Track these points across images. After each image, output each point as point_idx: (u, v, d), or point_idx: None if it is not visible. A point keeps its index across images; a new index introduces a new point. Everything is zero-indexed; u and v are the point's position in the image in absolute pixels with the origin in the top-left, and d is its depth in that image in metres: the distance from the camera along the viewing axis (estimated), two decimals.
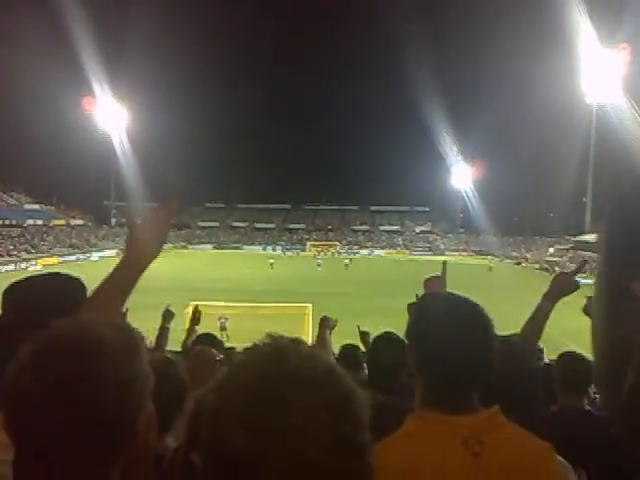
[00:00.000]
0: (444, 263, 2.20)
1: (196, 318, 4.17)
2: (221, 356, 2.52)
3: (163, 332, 3.84)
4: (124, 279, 1.24)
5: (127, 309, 3.05)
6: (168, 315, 3.94)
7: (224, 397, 0.63)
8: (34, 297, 1.38)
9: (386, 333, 2.48)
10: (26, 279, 1.47)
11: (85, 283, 1.50)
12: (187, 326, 4.30)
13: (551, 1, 55.63)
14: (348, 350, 3.41)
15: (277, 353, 0.66)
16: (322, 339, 2.60)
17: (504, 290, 35.70)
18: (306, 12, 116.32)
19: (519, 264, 64.21)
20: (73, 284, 1.50)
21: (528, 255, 66.93)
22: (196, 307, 4.25)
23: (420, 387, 1.22)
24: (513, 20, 70.12)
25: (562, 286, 2.19)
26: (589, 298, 2.01)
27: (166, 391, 1.70)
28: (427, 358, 1.20)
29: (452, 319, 1.18)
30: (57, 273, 1.53)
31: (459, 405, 1.15)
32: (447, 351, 1.15)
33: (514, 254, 71.16)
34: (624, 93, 57.62)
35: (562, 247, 65.58)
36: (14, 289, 1.44)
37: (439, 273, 2.13)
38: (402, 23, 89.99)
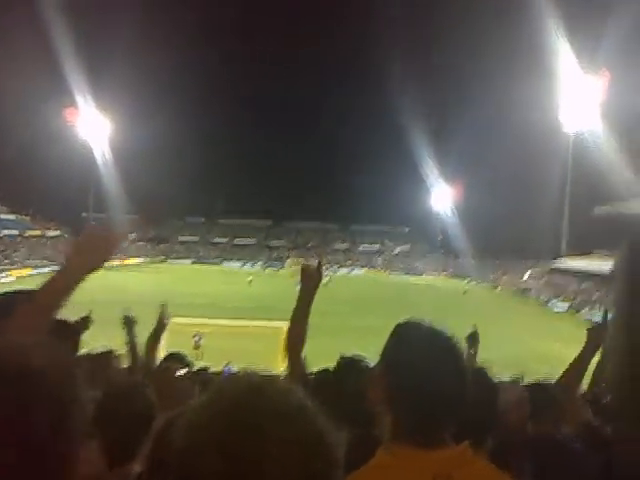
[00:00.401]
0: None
1: (162, 324, 3.60)
2: (184, 371, 2.41)
3: (132, 347, 3.42)
4: (59, 288, 1.20)
5: (91, 315, 2.88)
6: (130, 323, 3.49)
7: (200, 421, 0.62)
8: None
9: (350, 359, 2.23)
10: None
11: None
12: (150, 333, 3.64)
13: (531, 27, 57.21)
14: (319, 379, 3.04)
15: (254, 385, 0.66)
16: (299, 315, 2.04)
17: (474, 317, 36.04)
18: (289, 33, 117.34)
19: (495, 287, 64.94)
20: (15, 298, 1.40)
21: (504, 278, 67.74)
22: (163, 309, 3.68)
23: (391, 419, 1.18)
24: (494, 45, 71.77)
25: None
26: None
27: (133, 414, 1.66)
28: (402, 390, 1.15)
29: (431, 352, 1.15)
30: (6, 292, 1.43)
31: (431, 440, 1.12)
32: (424, 384, 1.12)
33: (492, 277, 71.97)
34: (602, 119, 59.15)
35: (538, 270, 66.54)
36: None
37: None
38: (383, 47, 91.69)
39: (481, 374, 1.77)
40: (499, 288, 63.87)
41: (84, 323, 2.85)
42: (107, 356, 3.06)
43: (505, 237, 79.59)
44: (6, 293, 1.45)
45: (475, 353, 2.89)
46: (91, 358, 2.95)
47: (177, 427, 0.63)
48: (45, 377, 0.76)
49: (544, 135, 68.18)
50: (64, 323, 2.24)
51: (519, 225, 75.71)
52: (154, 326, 3.50)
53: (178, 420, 0.65)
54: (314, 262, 2.09)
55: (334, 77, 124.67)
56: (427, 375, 1.12)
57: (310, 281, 2.05)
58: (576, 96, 61.76)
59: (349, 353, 2.30)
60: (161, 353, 3.84)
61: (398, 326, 1.25)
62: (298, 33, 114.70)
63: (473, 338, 2.98)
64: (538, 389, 2.60)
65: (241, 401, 0.63)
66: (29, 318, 1.15)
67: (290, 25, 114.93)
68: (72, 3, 59.24)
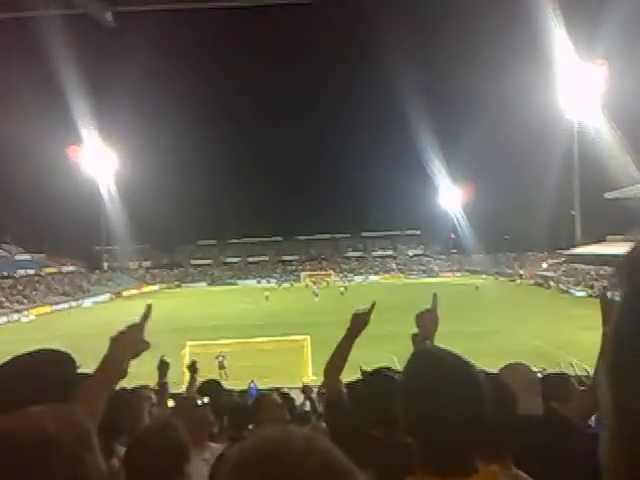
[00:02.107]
0: (434, 296, 2.13)
1: (194, 370, 4.11)
2: (204, 400, 2.47)
3: (162, 388, 3.63)
4: (105, 379, 1.38)
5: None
6: (163, 367, 3.72)
7: None
8: (16, 382, 1.32)
9: (377, 371, 2.40)
10: (11, 360, 1.40)
11: (74, 357, 1.53)
12: (187, 379, 4.21)
13: (531, 19, 57.19)
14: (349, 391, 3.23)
15: (267, 455, 0.64)
16: (340, 353, 2.25)
17: (486, 309, 35.86)
18: (291, 39, 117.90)
19: (513, 281, 64.38)
20: (61, 362, 1.48)
21: (522, 271, 67.17)
22: (192, 363, 4.18)
23: (416, 449, 1.18)
24: (496, 40, 71.92)
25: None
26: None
27: (166, 454, 1.69)
28: (419, 421, 1.16)
29: (444, 382, 1.14)
30: (44, 350, 1.48)
31: (456, 468, 1.11)
32: (439, 415, 1.11)
33: (508, 271, 71.41)
34: (602, 108, 58.97)
35: (555, 261, 65.92)
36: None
37: (429, 307, 2.08)
38: (389, 49, 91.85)
39: (502, 386, 1.76)
40: (518, 281, 63.31)
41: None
42: (140, 393, 3.15)
43: (518, 231, 79.08)
44: (44, 352, 1.48)
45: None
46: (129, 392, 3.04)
47: None
48: (60, 443, 0.76)
49: (549, 128, 68.01)
50: None
51: (531, 218, 75.25)
52: (158, 380, 3.75)
53: None
54: (366, 308, 2.27)
55: (340, 85, 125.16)
56: (442, 404, 1.11)
57: (359, 324, 2.25)
58: (577, 86, 61.63)
59: (370, 366, 2.41)
60: (186, 377, 4.04)
61: (412, 356, 1.27)
62: (302, 40, 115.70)
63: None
64: (555, 378, 2.60)
65: (258, 474, 0.62)
66: (93, 397, 1.32)
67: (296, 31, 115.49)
68: (76, 41, 60.25)
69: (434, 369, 1.18)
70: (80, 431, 0.83)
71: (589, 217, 63.55)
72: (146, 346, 1.50)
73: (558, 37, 57.41)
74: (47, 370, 1.40)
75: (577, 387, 2.65)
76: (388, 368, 2.42)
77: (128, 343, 1.46)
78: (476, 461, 1.14)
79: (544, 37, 57.62)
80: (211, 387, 3.97)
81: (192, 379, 4.13)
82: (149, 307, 1.57)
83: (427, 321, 2.03)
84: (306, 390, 7.05)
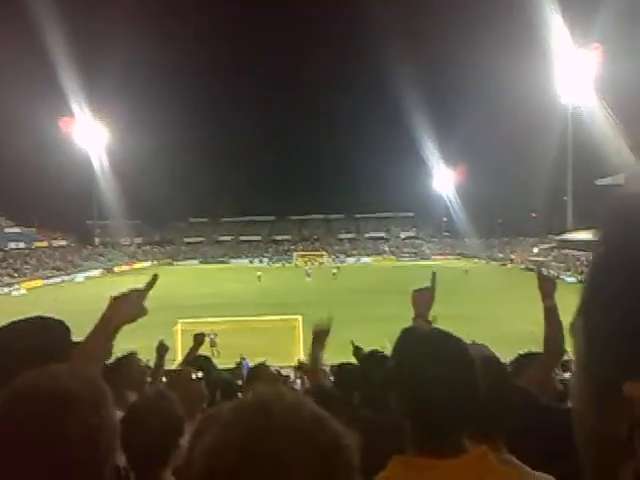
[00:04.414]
0: (434, 274, 2.12)
1: (199, 342, 4.08)
2: (198, 375, 2.46)
3: (158, 369, 3.68)
4: (102, 336, 1.40)
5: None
6: (162, 349, 3.76)
7: (216, 450, 0.64)
8: (15, 343, 1.38)
9: (372, 352, 2.50)
10: (9, 324, 1.46)
11: (69, 325, 1.56)
12: (187, 351, 4.17)
13: (525, 4, 56.69)
14: (343, 371, 3.28)
15: (261, 406, 0.66)
16: (314, 359, 2.57)
17: (474, 293, 36.17)
18: (290, 25, 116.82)
19: (505, 265, 64.80)
20: (56, 328, 1.52)
21: (513, 256, 67.60)
22: (201, 334, 4.15)
23: (405, 427, 1.17)
24: (490, 24, 71.62)
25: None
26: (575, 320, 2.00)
27: (160, 426, 1.68)
28: (411, 403, 1.14)
29: (436, 362, 1.12)
30: (40, 317, 1.53)
31: (446, 448, 1.10)
32: (432, 396, 1.10)
33: (500, 256, 71.83)
34: (597, 92, 58.82)
35: (546, 246, 66.34)
36: None
37: (428, 284, 2.06)
38: (382, 32, 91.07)
39: (496, 366, 1.75)
40: (509, 266, 63.74)
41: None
42: (130, 358, 3.14)
43: (511, 216, 79.41)
44: (40, 319, 1.53)
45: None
46: (116, 361, 3.03)
47: (197, 452, 0.66)
48: (76, 399, 0.83)
49: (543, 112, 67.81)
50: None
51: (524, 203, 75.52)
52: (155, 361, 3.76)
53: (199, 442, 0.67)
54: (324, 322, 2.52)
55: (332, 65, 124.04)
56: (431, 383, 1.10)
57: (320, 335, 2.53)
58: (571, 71, 61.38)
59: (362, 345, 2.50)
60: (179, 354, 4.03)
61: (401, 334, 1.24)
62: (296, 26, 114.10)
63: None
64: (528, 357, 2.63)
65: (250, 429, 0.64)
66: (83, 362, 1.30)
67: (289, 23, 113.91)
68: (68, 14, 59.15)
69: (423, 347, 1.16)
70: (95, 388, 0.89)
71: (581, 203, 63.87)
72: (144, 312, 1.49)
73: (552, 21, 57.04)
74: (42, 334, 1.45)
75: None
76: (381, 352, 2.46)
77: (128, 305, 1.46)
78: (466, 442, 1.13)
79: (538, 21, 57.29)
80: (201, 362, 3.83)
81: (194, 349, 4.09)
82: (155, 276, 1.60)
83: (424, 299, 2.02)
84: (302, 366, 7.10)
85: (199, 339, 4.01)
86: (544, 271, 2.31)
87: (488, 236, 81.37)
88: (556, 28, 57.73)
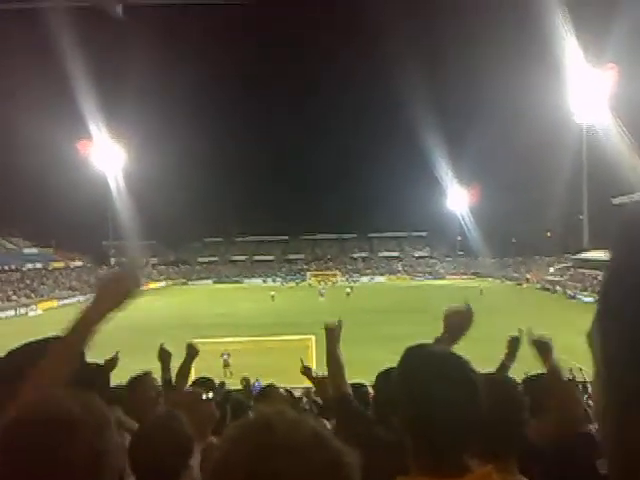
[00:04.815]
0: (468, 305, 2.03)
1: (192, 355, 3.58)
2: (209, 395, 2.44)
3: (166, 378, 3.43)
4: (86, 323, 1.28)
5: (118, 355, 3.03)
6: (165, 355, 3.49)
7: (221, 471, 0.66)
8: (28, 365, 1.29)
9: (385, 371, 2.46)
10: (22, 346, 1.45)
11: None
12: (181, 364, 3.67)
13: (539, 23, 56.98)
14: (354, 391, 3.25)
15: (263, 425, 0.68)
16: (333, 358, 2.40)
17: (490, 313, 35.51)
18: (305, 42, 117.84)
19: (520, 285, 64.06)
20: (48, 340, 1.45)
21: (529, 275, 66.84)
22: (190, 344, 3.63)
23: (409, 446, 1.16)
24: (504, 43, 71.81)
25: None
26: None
27: (170, 446, 1.67)
28: (413, 421, 1.14)
29: (439, 381, 1.11)
30: (54, 338, 1.45)
31: (449, 468, 1.09)
32: (434, 415, 1.09)
33: (515, 275, 71.08)
34: (612, 112, 58.63)
35: (562, 266, 65.55)
36: None
37: (464, 306, 1.99)
38: (397, 50, 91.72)
39: (502, 386, 1.72)
40: (524, 285, 63.01)
41: (112, 363, 3.01)
42: (145, 378, 3.11)
43: (525, 235, 78.72)
44: (40, 339, 1.50)
45: (511, 358, 2.84)
46: (129, 383, 3.02)
47: (204, 471, 0.68)
48: (79, 424, 0.83)
49: (557, 131, 67.67)
50: (94, 367, 2.34)
51: (539, 222, 74.89)
52: (183, 360, 3.48)
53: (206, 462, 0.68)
54: (334, 323, 2.50)
55: (346, 86, 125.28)
56: (434, 403, 1.09)
57: (334, 333, 2.48)
58: (586, 90, 61.33)
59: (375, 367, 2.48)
60: (192, 374, 3.96)
61: (405, 353, 1.24)
62: (309, 39, 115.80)
63: (514, 343, 3.00)
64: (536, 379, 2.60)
65: (252, 448, 0.65)
66: (61, 354, 1.24)
67: (302, 33, 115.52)
68: (87, 39, 60.68)
69: (427, 365, 1.16)
70: (98, 412, 0.89)
71: (597, 222, 63.19)
72: (139, 285, 1.38)
73: (567, 41, 57.11)
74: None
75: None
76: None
77: (119, 287, 1.34)
78: (471, 461, 1.12)
79: (553, 41, 57.31)
80: (205, 384, 3.75)
81: (187, 362, 3.55)
82: (139, 259, 1.52)
83: (461, 321, 1.96)
84: (308, 390, 7.10)
85: (192, 351, 3.52)
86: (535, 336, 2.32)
87: (502, 255, 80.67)
88: (570, 47, 57.79)
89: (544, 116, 66.55)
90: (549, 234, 79.31)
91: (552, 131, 67.96)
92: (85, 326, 1.28)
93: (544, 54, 61.51)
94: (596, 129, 61.78)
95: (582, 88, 61.84)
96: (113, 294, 1.33)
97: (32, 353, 1.39)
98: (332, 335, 2.46)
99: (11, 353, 1.43)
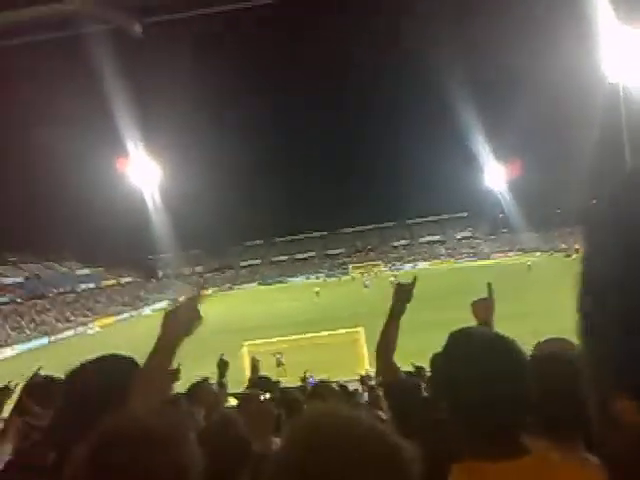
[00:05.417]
0: (489, 285, 2.08)
1: (255, 367, 4.22)
2: (266, 396, 2.51)
3: (222, 387, 3.70)
4: (162, 359, 1.37)
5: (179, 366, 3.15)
6: (223, 365, 3.82)
7: (278, 474, 0.67)
8: (84, 389, 1.39)
9: (438, 353, 2.46)
10: (83, 365, 1.49)
11: (137, 360, 1.54)
12: (248, 376, 4.35)
13: None
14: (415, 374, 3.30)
15: (315, 426, 0.67)
16: (394, 324, 2.16)
17: (539, 288, 34.42)
18: (336, 28, 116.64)
19: (569, 256, 62.05)
20: (122, 367, 1.51)
21: (577, 246, 64.62)
22: (253, 358, 4.31)
23: (459, 432, 1.15)
24: (537, 10, 69.46)
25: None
26: None
27: (227, 450, 1.70)
28: (463, 406, 1.12)
29: (487, 363, 1.10)
30: (108, 357, 1.55)
31: (504, 450, 1.07)
32: (483, 397, 1.08)
33: (563, 246, 68.90)
34: None
35: None
36: (68, 380, 1.45)
37: (485, 296, 2.04)
38: (427, 26, 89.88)
39: (562, 361, 1.69)
40: (574, 256, 60.96)
41: (175, 375, 3.14)
42: (203, 384, 3.26)
43: (569, 204, 76.12)
44: (106, 360, 1.55)
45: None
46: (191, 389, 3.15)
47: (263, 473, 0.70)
48: (164, 441, 0.86)
49: (594, 95, 64.96)
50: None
51: (581, 190, 72.28)
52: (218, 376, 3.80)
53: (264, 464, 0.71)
54: (409, 281, 2.29)
55: (378, 70, 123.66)
56: (484, 388, 1.08)
57: (403, 296, 2.24)
58: (619, 50, 58.66)
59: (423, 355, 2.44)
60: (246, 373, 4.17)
61: (449, 337, 1.24)
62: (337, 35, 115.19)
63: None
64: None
65: (306, 445, 0.65)
66: (149, 382, 1.32)
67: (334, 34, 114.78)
68: (122, 54, 62.30)
69: (472, 347, 1.16)
70: (179, 427, 0.92)
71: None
72: (199, 318, 1.47)
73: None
74: (113, 373, 1.45)
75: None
76: None
77: (182, 318, 1.43)
78: (532, 442, 1.10)
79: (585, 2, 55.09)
80: (262, 384, 3.96)
81: (253, 373, 4.22)
82: (203, 279, 1.59)
83: (482, 309, 2.01)
84: (364, 380, 7.11)
85: (254, 363, 4.20)
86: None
87: (547, 228, 78.30)
88: (603, 6, 55.49)
89: (579, 81, 63.93)
90: (594, 202, 76.34)
91: (588, 96, 65.28)
92: (166, 351, 1.37)
93: (578, 17, 59.20)
94: (633, 90, 59.07)
95: (614, 48, 59.17)
96: (180, 325, 1.42)
97: (120, 371, 1.46)
98: (401, 293, 2.23)
99: (100, 371, 1.46)
